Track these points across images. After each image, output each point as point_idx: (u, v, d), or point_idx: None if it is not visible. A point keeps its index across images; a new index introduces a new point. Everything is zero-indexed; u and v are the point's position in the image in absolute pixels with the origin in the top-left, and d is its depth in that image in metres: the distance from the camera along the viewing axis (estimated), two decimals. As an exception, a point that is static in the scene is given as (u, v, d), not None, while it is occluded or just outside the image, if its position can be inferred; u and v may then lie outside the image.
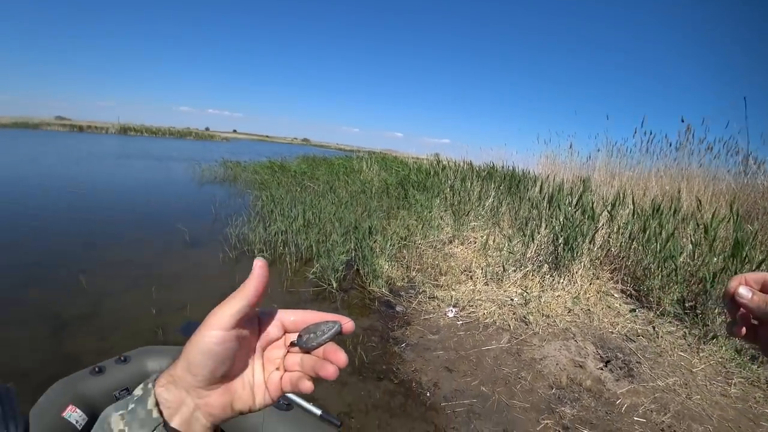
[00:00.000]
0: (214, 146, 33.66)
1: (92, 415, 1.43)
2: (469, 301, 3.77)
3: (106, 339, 3.01)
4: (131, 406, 0.35)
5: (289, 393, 0.40)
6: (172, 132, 47.68)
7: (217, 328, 0.35)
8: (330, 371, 0.38)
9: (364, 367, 2.84)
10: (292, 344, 0.40)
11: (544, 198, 5.53)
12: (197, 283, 4.17)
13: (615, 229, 4.53)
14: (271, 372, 0.40)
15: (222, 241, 5.24)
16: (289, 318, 0.41)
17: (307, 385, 0.39)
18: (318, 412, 1.49)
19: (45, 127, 39.50)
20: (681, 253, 3.76)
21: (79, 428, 1.36)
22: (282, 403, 1.48)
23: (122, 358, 1.61)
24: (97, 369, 1.54)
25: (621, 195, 4.77)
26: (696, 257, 3.78)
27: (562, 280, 4.01)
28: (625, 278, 4.15)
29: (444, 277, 4.32)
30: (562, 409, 2.39)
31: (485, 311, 3.59)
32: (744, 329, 0.44)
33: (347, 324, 0.40)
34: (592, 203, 4.64)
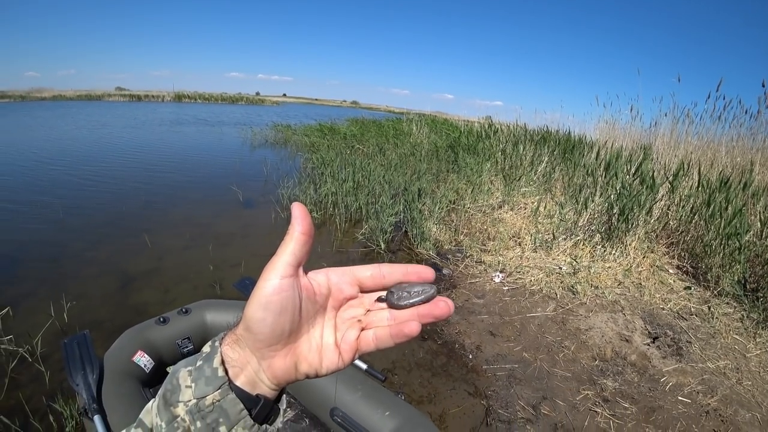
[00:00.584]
0: (265, 110, 34.15)
1: (159, 360, 1.61)
2: (516, 268, 3.79)
3: (169, 292, 3.30)
4: (199, 362, 0.35)
5: (365, 351, 0.37)
6: (224, 98, 48.62)
7: (272, 278, 0.33)
8: (414, 327, 0.34)
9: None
10: (380, 299, 0.37)
11: (600, 165, 5.30)
12: (251, 242, 4.41)
13: (676, 201, 4.32)
14: (345, 332, 0.37)
15: (273, 202, 5.45)
16: (365, 273, 0.38)
17: (407, 331, 0.35)
18: (364, 366, 1.59)
19: (107, 98, 41.63)
20: (748, 231, 3.55)
21: (147, 372, 1.54)
22: None
23: (184, 310, 1.78)
24: (161, 319, 1.72)
25: (685, 165, 4.50)
26: (764, 237, 3.57)
27: (614, 252, 3.92)
28: (683, 254, 3.99)
29: (492, 242, 4.33)
30: (604, 381, 2.42)
31: (532, 278, 3.61)
32: None
33: (444, 306, 0.35)
34: (653, 172, 4.41)
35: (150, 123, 17.63)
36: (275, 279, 0.33)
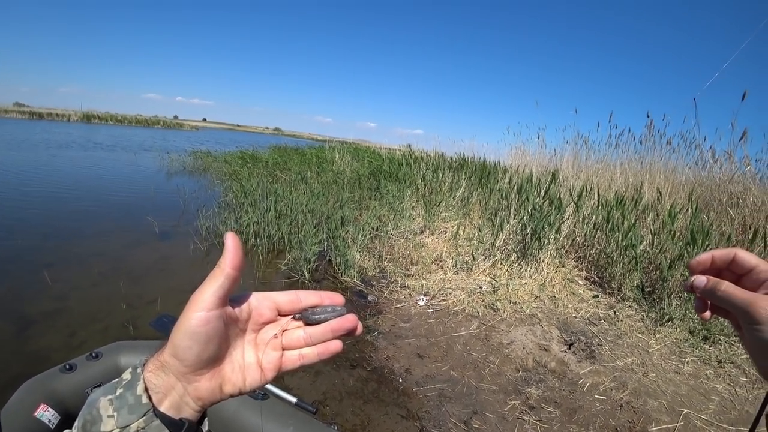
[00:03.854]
0: (183, 135, 32.83)
1: (65, 414, 1.39)
2: (439, 290, 3.84)
3: (75, 335, 2.92)
4: (119, 390, 0.35)
5: (289, 369, 0.40)
6: (139, 120, 46.22)
7: (199, 310, 0.34)
8: (337, 345, 0.39)
9: (338, 356, 2.84)
10: (295, 317, 0.40)
11: (513, 189, 5.65)
12: (168, 276, 4.09)
13: (580, 219, 4.69)
14: (266, 352, 0.39)
15: (192, 233, 5.14)
16: (283, 298, 0.40)
17: (332, 349, 0.39)
18: (293, 399, 1.49)
19: (2, 115, 37.67)
20: (641, 242, 3.93)
21: (52, 427, 1.33)
22: (258, 393, 1.49)
23: (93, 354, 1.57)
24: (67, 366, 1.50)
25: (587, 187, 4.93)
26: (655, 246, 3.96)
27: (529, 268, 4.12)
28: (589, 266, 4.31)
29: (415, 267, 4.38)
30: (529, 390, 2.48)
31: (455, 299, 3.67)
32: (708, 312, 0.46)
33: (352, 318, 0.39)
34: (560, 194, 4.78)
35: (49, 145, 16.07)
36: (202, 311, 0.34)
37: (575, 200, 4.72)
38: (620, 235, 4.02)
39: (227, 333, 0.37)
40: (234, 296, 0.38)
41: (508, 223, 4.69)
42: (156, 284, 3.83)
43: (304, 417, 1.47)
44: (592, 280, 4.13)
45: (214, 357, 0.36)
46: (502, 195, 5.59)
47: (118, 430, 0.33)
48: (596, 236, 4.44)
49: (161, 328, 1.68)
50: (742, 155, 4.86)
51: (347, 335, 0.39)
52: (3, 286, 3.61)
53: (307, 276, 4.09)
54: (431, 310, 3.54)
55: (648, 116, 5.96)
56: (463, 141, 8.98)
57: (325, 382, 2.57)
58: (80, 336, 2.92)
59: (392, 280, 4.14)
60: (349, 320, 0.39)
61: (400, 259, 4.64)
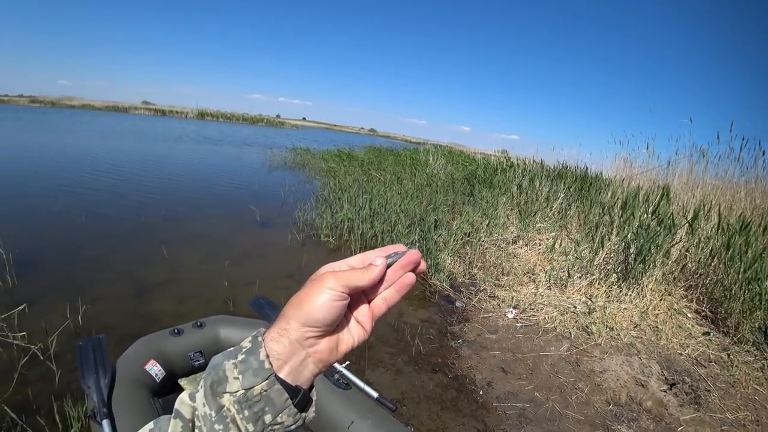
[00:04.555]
0: (284, 133, 35.06)
1: (169, 371, 1.61)
2: (530, 304, 3.76)
3: (183, 304, 3.35)
4: (241, 356, 0.39)
5: (380, 314, 0.45)
6: (245, 118, 50.11)
7: (334, 289, 0.39)
8: (410, 276, 0.43)
9: (420, 357, 2.94)
10: None
11: (616, 203, 5.29)
12: (266, 261, 4.46)
13: (694, 243, 4.27)
14: (358, 308, 0.44)
15: (290, 224, 5.53)
16: (355, 261, 0.44)
17: (407, 281, 0.43)
18: (375, 394, 1.59)
19: (133, 111, 43.47)
20: (769, 276, 3.50)
21: (157, 381, 1.54)
22: (341, 382, 1.60)
23: (198, 323, 1.80)
24: (176, 331, 1.73)
25: (704, 206, 4.46)
26: (786, 283, 3.50)
27: (630, 293, 3.87)
28: (701, 297, 3.92)
29: (506, 277, 4.32)
30: (618, 427, 2.37)
31: (546, 316, 3.57)
32: None
33: (415, 252, 0.43)
34: (671, 213, 4.39)
35: (173, 139, 18.12)
36: (337, 290, 0.39)
37: (689, 221, 4.31)
38: (743, 266, 3.60)
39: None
40: (325, 267, 0.44)
41: (609, 240, 4.42)
42: (255, 268, 4.20)
43: (383, 413, 1.53)
44: (703, 314, 3.76)
45: (337, 326, 0.42)
46: (603, 209, 5.26)
47: (243, 390, 0.37)
48: (712, 264, 4.02)
49: (258, 308, 1.87)
50: None
51: (414, 270, 0.43)
52: (127, 255, 4.26)
53: (426, 268, 4.20)
54: (520, 325, 3.48)
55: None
56: (563, 149, 8.51)
57: (405, 382, 2.66)
58: (186, 305, 3.34)
59: (481, 288, 4.12)
60: (413, 254, 0.43)
61: (491, 267, 4.60)
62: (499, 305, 3.79)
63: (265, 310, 1.85)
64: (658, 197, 4.96)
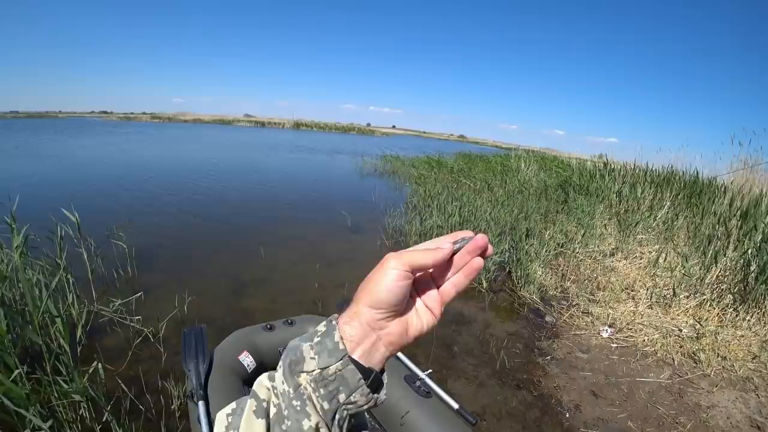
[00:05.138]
0: (375, 141, 36.19)
1: (260, 363, 1.76)
2: (627, 323, 3.55)
3: (275, 302, 3.66)
4: (317, 339, 0.41)
5: (449, 300, 0.45)
6: (337, 127, 52.61)
7: (398, 269, 0.41)
8: (478, 261, 0.43)
9: (505, 372, 2.91)
10: None
11: (735, 213, 4.77)
12: (355, 266, 4.67)
13: (834, 262, 3.73)
14: (426, 294, 0.45)
15: (380, 230, 5.73)
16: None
17: (475, 266, 0.44)
18: (456, 405, 1.59)
19: (236, 123, 48.07)
20: None
21: (249, 371, 1.70)
22: (423, 390, 1.62)
23: (289, 321, 1.95)
24: (269, 326, 1.88)
25: None
26: None
27: (749, 318, 3.48)
28: (841, 327, 3.43)
29: (602, 293, 4.11)
30: (726, 471, 2.18)
31: (646, 338, 3.36)
32: None
33: (481, 237, 0.43)
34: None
35: (270, 148, 19.54)
36: (399, 270, 0.41)
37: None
38: None
39: (410, 287, 0.42)
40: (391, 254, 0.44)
41: (724, 255, 4.01)
42: (344, 271, 4.42)
43: (462, 426, 1.53)
44: (841, 347, 3.29)
45: (403, 307, 0.42)
46: (718, 219, 4.76)
47: (319, 370, 0.39)
48: None
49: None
50: None
51: (482, 255, 0.43)
52: (228, 254, 4.77)
53: (484, 285, 4.20)
54: (615, 345, 3.31)
55: None
56: (668, 152, 7.71)
57: (487, 395, 2.64)
58: (279, 303, 3.64)
59: (574, 303, 3.97)
60: (480, 239, 0.43)
61: (586, 281, 4.39)
62: (592, 322, 3.63)
63: None
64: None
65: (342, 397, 0.40)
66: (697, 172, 6.70)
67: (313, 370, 0.40)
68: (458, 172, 10.72)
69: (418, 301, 0.45)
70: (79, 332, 2.72)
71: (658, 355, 3.17)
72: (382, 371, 0.44)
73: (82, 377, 2.12)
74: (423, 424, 1.52)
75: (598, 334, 3.46)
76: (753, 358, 3.12)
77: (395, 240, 5.53)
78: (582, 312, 3.81)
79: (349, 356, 0.40)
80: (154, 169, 10.69)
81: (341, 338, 0.41)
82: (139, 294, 3.38)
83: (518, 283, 4.31)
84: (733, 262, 3.96)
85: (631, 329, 3.48)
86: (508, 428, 2.40)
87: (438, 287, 0.46)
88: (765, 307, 3.49)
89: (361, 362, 0.41)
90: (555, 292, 4.22)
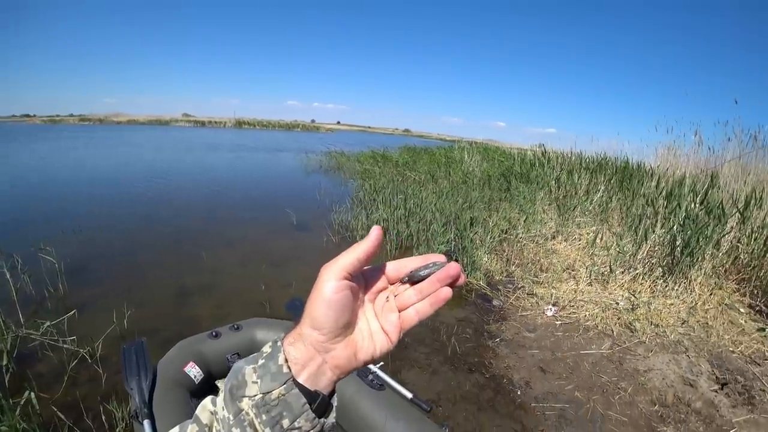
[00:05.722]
0: (319, 137, 35.78)
1: (207, 373, 1.69)
2: (570, 301, 3.68)
3: (221, 307, 3.49)
4: (261, 361, 0.39)
5: (410, 327, 0.42)
6: (280, 125, 51.63)
7: (331, 280, 0.38)
8: (447, 291, 0.40)
9: (456, 357, 2.93)
10: (401, 281, 0.42)
11: (661, 194, 5.07)
12: (302, 264, 4.57)
13: (747, 234, 4.04)
14: (385, 316, 0.42)
15: (326, 226, 5.64)
16: (391, 266, 0.43)
17: (442, 296, 0.41)
18: (409, 395, 1.60)
19: (174, 123, 45.87)
20: (831, 268, 3.27)
21: (196, 383, 1.62)
22: (375, 383, 1.61)
23: (235, 326, 1.87)
24: (214, 333, 1.81)
25: (757, 193, 4.22)
26: None
27: (677, 287, 3.71)
28: (755, 291, 3.71)
29: (545, 274, 4.24)
30: (664, 429, 2.30)
31: (587, 313, 3.49)
32: None
33: (455, 265, 0.41)
34: (721, 202, 4.16)
35: (210, 148, 18.80)
36: (334, 281, 0.38)
37: (740, 210, 4.09)
38: (802, 257, 3.39)
39: (354, 304, 0.40)
40: None
41: (653, 232, 4.25)
42: (291, 270, 4.30)
43: (417, 414, 1.53)
44: (758, 309, 3.56)
45: (348, 324, 0.39)
46: (647, 200, 5.05)
47: (261, 395, 0.37)
48: (767, 255, 3.80)
49: (293, 310, 1.91)
50: None
51: (452, 284, 0.41)
52: (169, 261, 4.53)
53: (465, 280, 4.20)
54: (559, 322, 3.42)
55: None
56: (599, 140, 8.20)
57: (441, 382, 2.65)
58: (225, 308, 3.47)
59: (519, 286, 4.07)
60: (452, 267, 0.40)
61: (529, 264, 4.53)
62: (537, 303, 3.73)
63: (301, 312, 1.91)
64: (706, 186, 4.73)
65: (286, 422, 0.37)
66: (627, 158, 7.14)
67: (255, 395, 0.37)
68: (403, 165, 10.81)
69: (374, 323, 0.42)
70: (5, 360, 2.46)
71: (599, 328, 3.31)
72: (332, 394, 0.41)
73: (14, 410, 1.93)
74: (378, 416, 1.51)
75: (543, 313, 3.56)
76: (682, 324, 3.32)
77: (342, 236, 5.46)
78: (527, 294, 3.91)
79: (293, 380, 0.38)
80: (83, 176, 9.89)
81: (285, 361, 0.38)
82: (72, 312, 3.04)
83: (465, 270, 4.33)
84: (661, 238, 4.21)
85: (573, 306, 3.61)
86: (464, 411, 2.42)
87: (400, 310, 0.42)
88: (690, 276, 3.73)
89: (306, 386, 0.38)
90: (501, 277, 4.31)
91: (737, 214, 4.11)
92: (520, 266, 4.50)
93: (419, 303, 0.42)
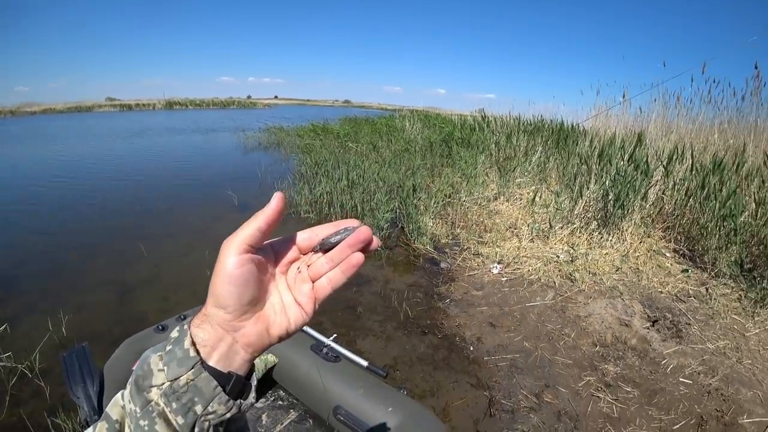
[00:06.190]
0: (257, 113, 34.22)
1: None
2: (514, 258, 3.79)
3: (168, 300, 3.28)
4: (169, 347, 0.37)
5: (324, 297, 0.41)
6: (215, 103, 48.70)
7: (232, 255, 0.35)
8: (358, 256, 0.39)
9: (409, 322, 2.95)
10: (314, 250, 0.41)
11: (594, 152, 5.31)
12: (248, 246, 4.39)
13: (670, 186, 4.33)
14: (298, 288, 0.40)
15: (269, 204, 5.43)
16: (302, 236, 0.41)
17: (353, 262, 0.39)
18: (364, 363, 1.60)
19: (97, 109, 41.57)
20: (743, 212, 3.56)
21: None
22: (330, 355, 1.62)
23: (182, 316, 1.77)
24: (160, 327, 1.71)
25: (679, 149, 4.51)
26: (759, 217, 3.58)
27: (610, 238, 3.93)
28: (679, 237, 4.01)
29: (489, 234, 4.34)
30: (606, 366, 2.43)
31: (530, 268, 3.61)
32: None
33: (365, 229, 0.39)
34: (646, 158, 4.42)
35: (138, 133, 17.45)
36: (234, 255, 0.35)
37: (664, 164, 4.36)
38: (717, 204, 3.67)
39: (261, 277, 0.38)
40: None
41: (588, 189, 4.45)
42: None
43: (374, 380, 1.54)
44: (681, 252, 3.85)
45: (254, 300, 0.37)
46: (581, 159, 5.27)
47: (169, 382, 0.35)
48: (688, 204, 4.09)
49: None
50: None
51: (364, 249, 0.39)
52: (105, 258, 4.13)
53: (380, 243, 4.19)
54: (505, 279, 3.52)
55: (756, 67, 5.23)
56: (537, 103, 8.50)
57: (396, 347, 2.67)
58: (172, 300, 3.27)
59: (465, 247, 4.14)
60: (362, 232, 0.39)
61: (474, 226, 4.61)
62: (483, 262, 3.81)
63: None
64: (634, 144, 4.99)
65: (198, 408, 0.35)
66: (562, 120, 7.41)
67: (163, 383, 0.35)
68: (345, 137, 10.62)
69: (287, 296, 0.40)
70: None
71: (542, 280, 3.43)
72: (250, 373, 0.40)
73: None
74: (336, 387, 1.52)
75: (489, 271, 3.65)
76: (616, 271, 3.52)
77: (286, 213, 5.12)
78: (473, 254, 3.98)
79: (202, 363, 0.36)
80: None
81: (192, 344, 0.36)
82: (4, 326, 2.74)
83: (411, 236, 4.37)
84: (595, 194, 4.41)
85: (517, 263, 3.72)
86: (420, 372, 2.45)
87: (313, 282, 0.41)
88: (622, 227, 3.95)
89: (218, 368, 0.37)
90: (447, 240, 4.36)
91: (662, 168, 4.37)
92: (465, 228, 4.57)
93: (331, 271, 0.40)
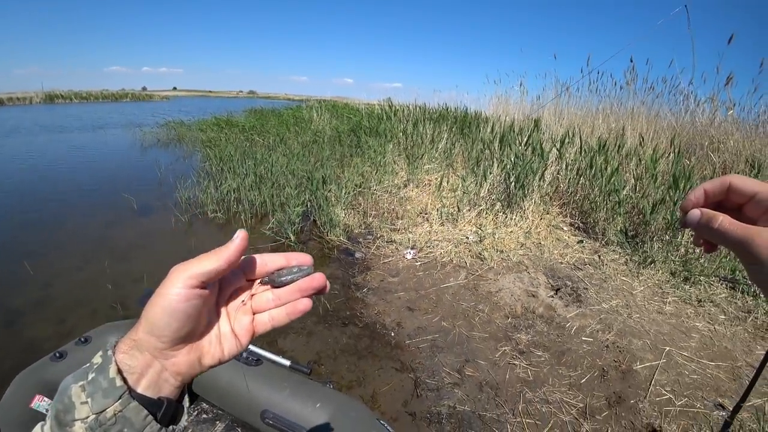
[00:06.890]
0: (154, 106, 31.39)
1: None
2: (426, 242, 3.84)
3: (64, 322, 2.83)
4: (91, 375, 0.33)
5: (262, 332, 0.39)
6: (105, 96, 43.72)
7: (179, 287, 0.33)
8: (305, 303, 0.38)
9: (329, 315, 2.87)
10: (262, 282, 0.39)
11: (495, 138, 5.59)
12: (151, 252, 3.97)
13: (564, 166, 4.69)
14: (238, 318, 0.39)
15: (172, 206, 4.98)
16: (250, 262, 0.39)
17: (300, 308, 0.38)
18: (287, 363, 1.52)
19: None
20: (624, 187, 3.96)
21: None
22: (251, 359, 1.52)
23: (83, 339, 1.54)
24: (57, 354, 1.47)
25: (569, 133, 4.90)
26: (637, 190, 4.00)
27: (514, 217, 4.14)
28: (573, 212, 4.35)
29: (401, 221, 4.36)
30: (518, 335, 2.54)
31: (442, 251, 3.68)
32: (709, 246, 0.39)
33: (319, 277, 0.38)
34: (542, 142, 4.74)
35: (8, 134, 15.20)
36: (181, 288, 0.33)
37: (558, 147, 4.71)
38: (603, 181, 4.04)
39: (203, 310, 0.36)
40: None
41: (491, 172, 4.66)
42: (140, 261, 3.71)
43: (299, 378, 1.49)
44: (576, 226, 4.18)
45: (192, 333, 0.35)
46: (484, 145, 5.53)
47: (94, 416, 0.32)
48: (580, 182, 4.46)
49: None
50: (726, 99, 4.87)
51: (316, 294, 0.38)
52: None
53: (292, 238, 4.03)
54: (419, 263, 3.55)
55: (631, 60, 5.91)
56: (442, 92, 8.84)
57: (319, 341, 2.59)
58: (70, 322, 2.84)
59: (378, 235, 4.12)
60: (316, 279, 0.38)
61: (385, 214, 4.61)
62: (397, 249, 3.82)
63: None
64: (531, 129, 5.33)
65: None
66: (466, 107, 7.76)
67: (87, 417, 0.32)
68: (250, 129, 10.11)
69: (225, 326, 0.38)
70: None
71: (454, 262, 3.52)
72: (182, 397, 0.38)
73: None
74: (260, 391, 1.45)
75: (403, 257, 3.66)
76: (521, 246, 3.72)
77: (192, 213, 4.88)
78: (386, 242, 3.97)
79: (130, 392, 0.33)
80: None
81: (118, 372, 0.33)
82: None
83: (324, 228, 4.26)
84: (498, 177, 4.64)
85: (429, 247, 3.77)
86: (345, 363, 2.39)
87: (254, 313, 0.39)
88: (524, 206, 4.19)
89: (148, 395, 0.34)
90: (360, 230, 4.32)
91: (555, 151, 4.71)
92: (377, 217, 4.56)
93: (275, 309, 0.39)
